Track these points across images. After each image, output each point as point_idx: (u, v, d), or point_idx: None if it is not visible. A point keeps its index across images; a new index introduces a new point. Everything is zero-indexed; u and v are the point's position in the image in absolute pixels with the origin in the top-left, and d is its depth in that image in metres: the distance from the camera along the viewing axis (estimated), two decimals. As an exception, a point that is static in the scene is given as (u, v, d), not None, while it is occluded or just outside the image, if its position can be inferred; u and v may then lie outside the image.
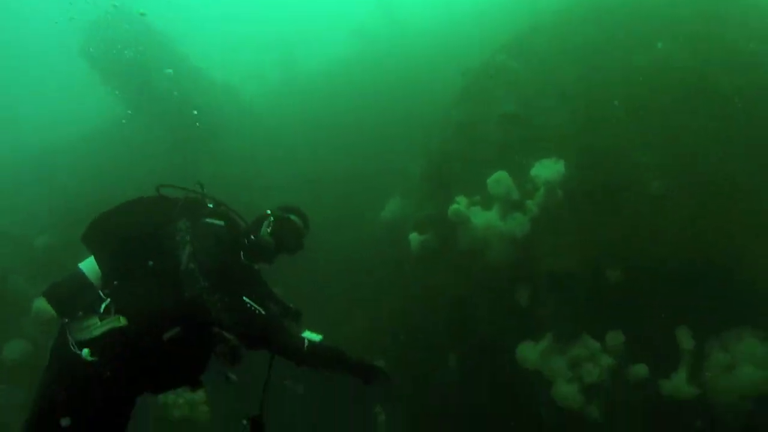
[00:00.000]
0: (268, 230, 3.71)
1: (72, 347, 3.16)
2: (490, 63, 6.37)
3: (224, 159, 9.46)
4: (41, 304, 6.80)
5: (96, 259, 3.42)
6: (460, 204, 5.14)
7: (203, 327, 3.34)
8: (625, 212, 4.97)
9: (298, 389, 6.36)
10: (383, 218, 6.97)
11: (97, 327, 3.18)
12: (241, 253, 3.64)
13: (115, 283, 3.33)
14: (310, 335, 3.47)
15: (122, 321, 3.18)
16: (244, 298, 3.36)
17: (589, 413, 4.95)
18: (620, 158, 5.11)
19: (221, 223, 3.62)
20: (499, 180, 5.03)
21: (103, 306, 3.23)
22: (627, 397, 5.01)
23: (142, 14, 11.42)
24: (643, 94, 5.33)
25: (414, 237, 5.73)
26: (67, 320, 3.28)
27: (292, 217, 3.82)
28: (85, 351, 3.12)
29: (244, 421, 3.36)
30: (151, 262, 3.38)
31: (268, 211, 3.81)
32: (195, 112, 9.35)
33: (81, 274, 3.39)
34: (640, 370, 4.87)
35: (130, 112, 10.96)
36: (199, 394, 6.20)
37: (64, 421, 3.06)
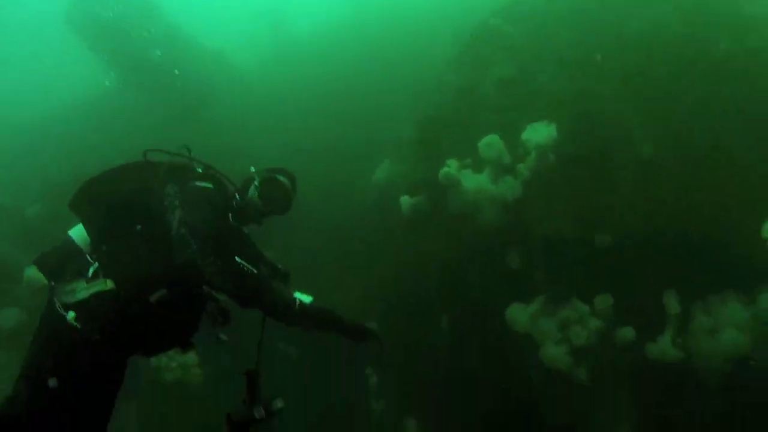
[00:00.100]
0: (256, 192, 3.71)
1: (58, 310, 3.17)
2: (485, 27, 6.30)
3: (215, 128, 9.38)
4: (32, 272, 6.78)
5: (83, 224, 3.41)
6: (450, 167, 5.14)
7: (192, 288, 3.35)
8: (617, 178, 4.98)
9: (291, 352, 6.43)
10: (375, 183, 6.97)
11: (82, 290, 3.18)
12: (230, 215, 3.63)
13: (103, 248, 3.33)
14: (301, 296, 3.49)
15: (109, 284, 3.18)
16: (237, 258, 3.37)
17: (577, 375, 5.04)
18: (614, 124, 5.10)
19: (210, 185, 3.60)
20: (491, 144, 5.03)
21: (91, 270, 3.23)
22: (614, 359, 5.10)
23: None
24: (639, 61, 5.29)
25: (405, 200, 5.74)
26: (54, 284, 3.28)
27: (279, 177, 3.81)
28: (71, 314, 3.13)
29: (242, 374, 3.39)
30: (139, 227, 3.37)
31: (253, 169, 3.80)
32: (176, 72, 9.23)
33: (70, 241, 3.38)
34: (627, 333, 4.95)
35: (108, 83, 10.82)
36: (192, 357, 6.26)
37: (51, 382, 3.07)
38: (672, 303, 4.89)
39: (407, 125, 6.37)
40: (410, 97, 6.62)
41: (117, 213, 3.39)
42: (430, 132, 5.93)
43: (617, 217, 4.94)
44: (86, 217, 3.41)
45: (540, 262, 5.12)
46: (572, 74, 5.48)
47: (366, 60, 9.52)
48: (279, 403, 3.36)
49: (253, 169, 3.82)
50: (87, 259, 3.29)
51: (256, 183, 3.74)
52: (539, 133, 4.94)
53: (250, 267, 3.40)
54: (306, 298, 3.50)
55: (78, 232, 3.41)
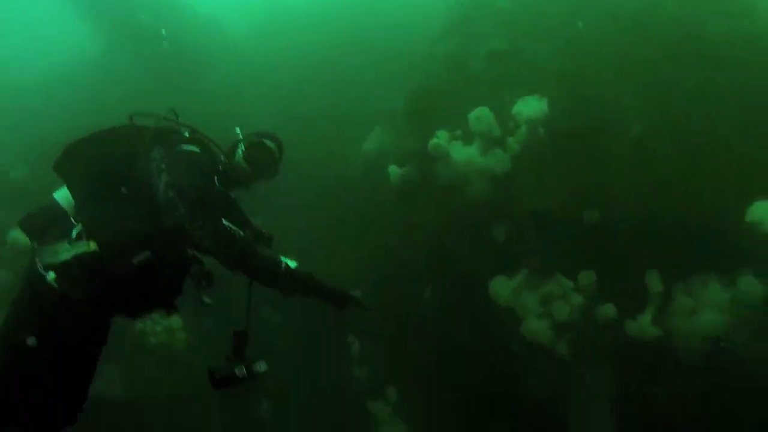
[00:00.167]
0: (243, 156, 3.70)
1: (39, 271, 3.16)
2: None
3: (209, 96, 9.29)
4: (17, 234, 6.80)
5: (68, 186, 3.40)
6: (440, 138, 5.12)
7: (176, 251, 3.35)
8: (608, 157, 4.98)
9: (275, 319, 6.48)
10: (365, 152, 6.97)
11: (65, 251, 3.18)
12: (216, 179, 3.62)
13: (88, 210, 3.32)
14: (286, 260, 3.51)
15: (92, 246, 3.18)
16: (224, 221, 3.38)
17: (559, 350, 5.11)
18: (607, 103, 5.08)
19: (196, 149, 3.59)
20: (481, 116, 5.00)
21: (74, 232, 3.23)
22: (595, 336, 5.16)
23: None
24: (634, 40, 5.25)
25: (394, 170, 5.73)
26: (37, 246, 3.27)
27: (267, 142, 3.80)
28: (51, 274, 3.13)
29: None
30: (124, 189, 3.37)
31: (238, 131, 3.79)
32: (163, 31, 9.08)
33: (55, 203, 3.38)
34: (609, 310, 4.99)
35: (96, 47, 10.62)
36: (176, 321, 6.29)
37: (30, 341, 3.09)
38: (654, 282, 4.93)
39: (400, 95, 6.34)
40: (404, 66, 6.57)
41: (102, 175, 3.38)
42: (421, 102, 5.88)
43: (606, 195, 4.95)
44: (71, 180, 3.41)
45: (526, 236, 5.14)
46: (565, 51, 5.44)
47: (360, 28, 9.41)
48: (262, 366, 3.41)
49: (238, 130, 3.81)
50: (71, 221, 3.29)
51: (242, 148, 3.74)
52: (530, 106, 4.92)
53: (237, 230, 3.41)
54: (291, 263, 3.53)
55: (63, 195, 3.40)
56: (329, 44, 9.36)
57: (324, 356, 6.66)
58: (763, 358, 4.80)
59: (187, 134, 3.66)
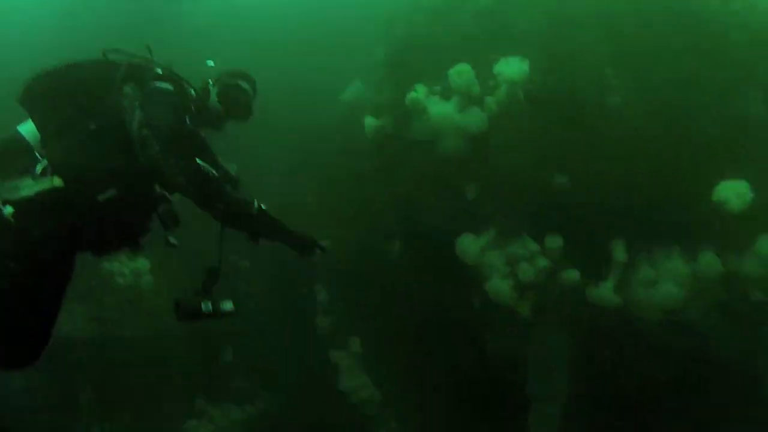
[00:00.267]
0: (217, 96, 3.63)
1: None
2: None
3: (186, 36, 9.01)
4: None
5: (33, 120, 3.28)
6: (418, 92, 5.08)
7: (144, 188, 3.30)
8: (584, 124, 4.99)
9: (244, 264, 6.48)
10: (343, 102, 6.90)
11: (28, 187, 3.10)
12: (187, 117, 3.55)
13: (53, 145, 3.22)
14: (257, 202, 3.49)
15: (56, 182, 3.09)
16: (198, 160, 3.33)
17: (520, 309, 5.21)
18: (588, 71, 5.06)
19: (170, 87, 3.49)
20: (461, 72, 4.95)
21: (39, 167, 3.14)
22: (558, 299, 5.27)
23: None
24: (622, 13, 5.20)
25: (370, 121, 5.69)
26: None
27: (241, 83, 3.72)
28: (8, 209, 3.05)
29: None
30: (92, 125, 3.27)
31: (211, 63, 3.70)
32: None
33: (20, 137, 3.26)
34: (572, 275, 5.08)
35: None
36: (143, 263, 6.25)
37: None
38: (619, 251, 5.03)
39: (381, 47, 6.24)
40: (385, 15, 6.44)
41: (69, 109, 3.25)
42: (401, 54, 5.80)
43: (578, 162, 4.98)
44: (36, 112, 3.27)
45: (496, 195, 5.17)
46: (552, 16, 5.37)
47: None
48: (228, 305, 3.40)
49: (211, 63, 3.71)
50: (36, 156, 3.19)
51: (215, 87, 3.66)
52: (512, 67, 4.86)
53: (210, 169, 3.37)
54: (262, 206, 3.51)
55: (28, 128, 3.28)
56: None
57: (288, 306, 6.72)
58: (715, 333, 4.99)
59: (160, 71, 3.56)
